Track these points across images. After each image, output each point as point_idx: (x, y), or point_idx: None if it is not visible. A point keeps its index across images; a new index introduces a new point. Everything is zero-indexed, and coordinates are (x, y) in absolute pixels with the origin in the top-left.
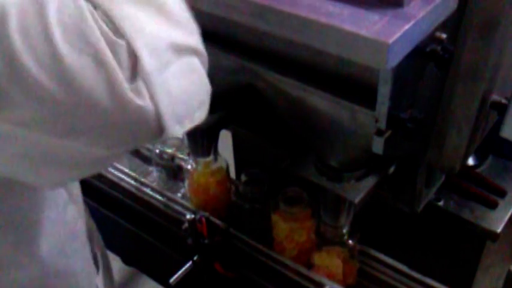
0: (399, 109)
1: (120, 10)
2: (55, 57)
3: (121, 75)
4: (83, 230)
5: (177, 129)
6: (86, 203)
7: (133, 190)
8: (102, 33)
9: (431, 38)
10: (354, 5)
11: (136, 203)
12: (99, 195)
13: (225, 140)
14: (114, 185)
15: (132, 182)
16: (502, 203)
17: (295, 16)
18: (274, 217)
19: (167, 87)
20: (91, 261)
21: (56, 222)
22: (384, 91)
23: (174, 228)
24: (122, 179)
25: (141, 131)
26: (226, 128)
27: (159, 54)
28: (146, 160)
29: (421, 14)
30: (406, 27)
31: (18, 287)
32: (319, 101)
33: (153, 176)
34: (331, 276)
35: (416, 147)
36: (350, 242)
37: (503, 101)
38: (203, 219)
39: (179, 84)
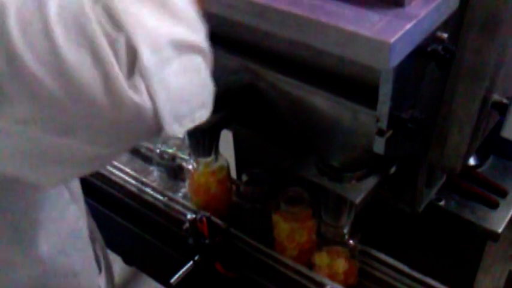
0: (400, 109)
1: (122, 4)
2: (54, 53)
3: (118, 71)
4: (85, 229)
5: (176, 128)
6: (86, 202)
7: (134, 190)
8: (102, 27)
9: (433, 38)
10: (355, 5)
11: (137, 203)
12: (100, 195)
13: (226, 139)
14: (115, 184)
15: (133, 181)
16: (503, 203)
17: (296, 16)
18: (275, 217)
19: (166, 84)
20: (93, 261)
21: (58, 221)
22: (385, 91)
23: (175, 228)
24: (123, 179)
25: (139, 129)
26: (228, 127)
27: (159, 50)
28: (147, 160)
29: (422, 13)
30: (407, 26)
31: (19, 287)
32: (320, 100)
33: (154, 175)
34: (332, 276)
35: (417, 147)
36: (351, 242)
37: (505, 101)
38: (204, 219)
39: (179, 82)
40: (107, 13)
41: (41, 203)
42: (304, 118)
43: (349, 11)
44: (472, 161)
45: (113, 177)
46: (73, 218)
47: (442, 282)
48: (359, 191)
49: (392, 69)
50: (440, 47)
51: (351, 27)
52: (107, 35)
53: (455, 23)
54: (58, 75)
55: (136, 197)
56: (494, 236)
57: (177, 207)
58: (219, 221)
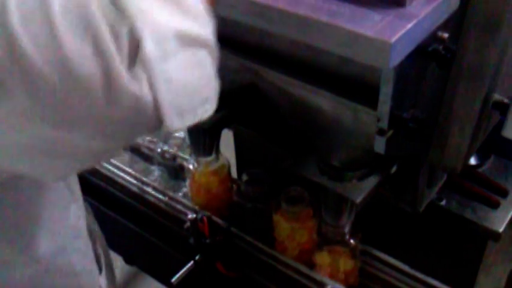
0: (401, 109)
1: None
2: (54, 42)
3: (119, 62)
4: (84, 228)
5: (177, 123)
6: (87, 202)
7: (135, 189)
8: (105, 16)
9: (433, 38)
10: (356, 5)
11: (138, 203)
12: (101, 194)
13: (227, 139)
14: (116, 184)
15: (134, 181)
16: (504, 202)
17: (297, 15)
18: (276, 217)
19: (169, 77)
20: (93, 261)
21: (58, 221)
22: (386, 90)
23: (175, 227)
24: (124, 178)
25: (139, 122)
26: (228, 127)
27: (163, 41)
28: (148, 159)
29: (423, 13)
30: (408, 26)
31: (19, 286)
32: (321, 100)
33: (155, 175)
34: (332, 276)
35: (418, 147)
36: (352, 241)
37: (506, 100)
38: (205, 219)
39: (182, 76)
40: (111, 2)
41: (42, 202)
42: (305, 118)
43: (350, 10)
44: (473, 161)
45: (114, 177)
46: (73, 217)
47: (443, 281)
48: (360, 190)
49: (393, 69)
50: (441, 47)
51: (351, 27)
52: (110, 25)
53: (456, 22)
54: (58, 65)
55: (137, 197)
56: (495, 236)
57: (178, 206)
58: (219, 221)
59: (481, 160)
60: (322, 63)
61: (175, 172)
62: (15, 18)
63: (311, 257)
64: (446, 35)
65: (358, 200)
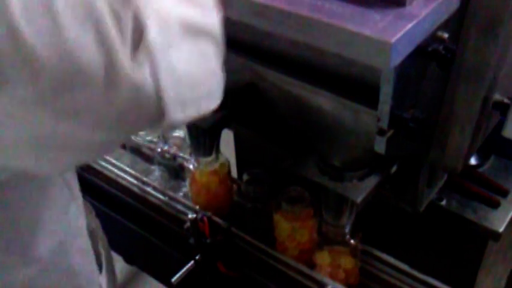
0: (401, 109)
1: None
2: (55, 28)
3: (122, 48)
4: (85, 228)
5: (179, 115)
6: (88, 202)
7: (135, 189)
8: (108, 2)
9: (433, 38)
10: (356, 5)
11: (138, 202)
12: (101, 194)
13: (227, 139)
14: (116, 184)
15: (134, 181)
16: (504, 202)
17: (297, 15)
18: (276, 217)
19: (172, 65)
20: (93, 260)
21: (58, 220)
22: (386, 90)
23: (176, 227)
24: (124, 178)
25: (140, 112)
26: (228, 127)
27: (167, 29)
28: (148, 159)
29: (424, 13)
30: (409, 26)
31: (19, 286)
32: (322, 100)
33: (155, 175)
34: (333, 276)
35: (418, 146)
36: (352, 241)
37: (506, 100)
38: (205, 219)
39: (186, 66)
40: None
41: (41, 202)
42: (305, 118)
43: (350, 10)
44: (473, 161)
45: (115, 177)
46: (73, 216)
47: (443, 281)
48: (360, 190)
49: (394, 69)
50: (441, 47)
51: (352, 27)
52: (113, 10)
53: (456, 22)
54: (59, 52)
55: (138, 197)
56: (495, 236)
57: (178, 206)
58: (220, 221)
59: (481, 160)
60: (322, 63)
61: (176, 172)
62: (16, 7)
63: (311, 257)
64: (446, 35)
65: (359, 199)
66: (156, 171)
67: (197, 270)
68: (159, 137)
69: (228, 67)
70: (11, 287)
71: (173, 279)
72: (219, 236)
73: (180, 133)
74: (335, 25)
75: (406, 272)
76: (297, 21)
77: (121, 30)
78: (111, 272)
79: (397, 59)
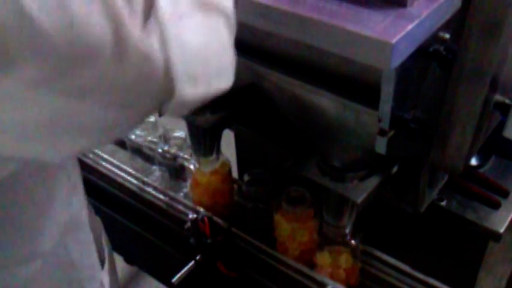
0: (402, 109)
1: None
2: (61, 2)
3: (130, 18)
4: (87, 221)
5: (189, 90)
6: (88, 202)
7: (136, 189)
8: None
9: (435, 38)
10: (357, 5)
11: (139, 203)
12: (102, 194)
13: (228, 139)
14: (117, 184)
15: (135, 181)
16: (504, 203)
17: (298, 16)
18: (277, 217)
19: (182, 38)
20: (94, 255)
21: (61, 213)
22: (387, 91)
23: (176, 227)
24: (125, 178)
25: (150, 85)
26: (229, 127)
27: (178, 1)
28: (149, 159)
29: (425, 13)
30: (410, 27)
31: (18, 282)
32: (322, 100)
33: (156, 175)
34: (333, 276)
35: (419, 147)
36: (353, 242)
37: (507, 101)
38: (206, 219)
39: (196, 40)
40: None
41: (45, 195)
42: (306, 118)
43: (351, 11)
44: (474, 161)
45: (115, 177)
46: (75, 209)
47: (444, 282)
48: (361, 191)
49: (395, 69)
50: (442, 47)
51: (353, 28)
52: None
53: (457, 23)
54: (66, 27)
55: (138, 197)
56: (496, 236)
57: (179, 206)
58: (220, 221)
59: (482, 161)
60: (323, 64)
61: (176, 172)
62: None
63: (312, 257)
64: (447, 36)
65: (359, 200)
66: (157, 172)
67: (197, 271)
68: (160, 137)
69: None
70: (14, 283)
71: (173, 280)
72: (219, 236)
73: (180, 133)
74: (336, 26)
75: (406, 272)
76: (298, 22)
77: (129, 1)
78: (112, 270)
79: (398, 60)
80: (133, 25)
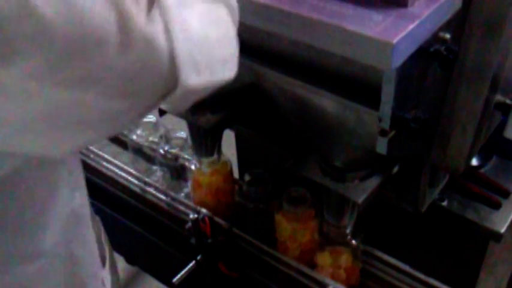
0: (403, 109)
1: None
2: None
3: (134, 6)
4: (88, 218)
5: (194, 79)
6: (90, 202)
7: (137, 190)
8: None
9: (435, 38)
10: (358, 5)
11: (140, 203)
12: (103, 194)
13: (229, 140)
14: (118, 184)
15: (136, 181)
16: (505, 203)
17: (299, 16)
18: (278, 217)
19: (186, 26)
20: (96, 252)
21: (63, 209)
22: (388, 91)
23: (177, 227)
24: (126, 179)
25: (155, 73)
26: (230, 127)
27: None
28: (150, 160)
29: (425, 14)
30: (411, 27)
31: (26, 279)
32: (323, 101)
33: (157, 175)
34: (334, 276)
35: (420, 147)
36: (353, 242)
37: (508, 101)
38: (206, 219)
39: (200, 28)
40: None
41: (48, 191)
42: (307, 118)
43: (352, 11)
44: (474, 162)
45: (116, 177)
46: (77, 205)
47: (445, 282)
48: (362, 191)
49: (395, 70)
50: (443, 48)
51: (353, 28)
52: None
53: (458, 23)
54: (69, 15)
55: (139, 197)
56: (496, 237)
57: (180, 207)
58: (221, 221)
59: (483, 161)
60: (323, 64)
61: (177, 172)
62: None
63: (313, 258)
64: (448, 36)
65: (360, 200)
66: (158, 172)
67: (198, 271)
68: (161, 137)
69: None
70: (17, 282)
71: (174, 280)
72: (220, 237)
73: (181, 134)
74: (337, 26)
75: (407, 272)
76: (299, 22)
77: None
78: (114, 269)
79: (398, 60)
80: (137, 13)
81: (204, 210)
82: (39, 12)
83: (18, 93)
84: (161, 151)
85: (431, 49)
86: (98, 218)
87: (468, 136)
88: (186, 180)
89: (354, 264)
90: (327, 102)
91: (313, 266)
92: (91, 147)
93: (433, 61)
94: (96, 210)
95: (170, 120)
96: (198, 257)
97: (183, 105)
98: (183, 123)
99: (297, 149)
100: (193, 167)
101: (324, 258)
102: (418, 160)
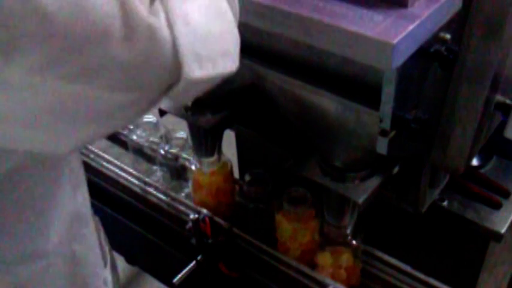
0: (403, 109)
1: None
2: None
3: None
4: (90, 217)
5: (197, 72)
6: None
7: (137, 190)
8: None
9: (436, 39)
10: (359, 6)
11: (140, 203)
12: (103, 194)
13: (229, 140)
14: (118, 184)
15: (136, 181)
16: (506, 203)
17: (299, 16)
18: (278, 217)
19: (188, 18)
20: (98, 251)
21: (65, 208)
22: (388, 91)
23: (177, 228)
24: (126, 179)
25: (158, 65)
26: (230, 128)
27: None
28: (150, 160)
29: (426, 14)
30: (411, 27)
31: (29, 278)
32: (323, 101)
33: (157, 175)
34: (334, 277)
35: (420, 147)
36: (354, 242)
37: (508, 101)
38: (207, 219)
39: (202, 20)
40: None
41: (47, 188)
42: (307, 118)
43: (352, 11)
44: (475, 162)
45: (117, 178)
46: (79, 203)
47: (445, 282)
48: (362, 191)
49: (396, 70)
50: (443, 48)
51: (354, 28)
52: None
53: (458, 23)
54: (71, 7)
55: (140, 197)
56: (497, 237)
57: (180, 207)
58: (221, 221)
59: (483, 161)
60: (323, 64)
61: (178, 173)
62: None
63: (313, 258)
64: (448, 36)
65: (361, 200)
66: (158, 172)
67: (199, 271)
68: (161, 137)
69: None
70: (20, 281)
71: (175, 280)
72: (220, 237)
73: (182, 134)
74: (337, 26)
75: (407, 272)
76: (299, 22)
77: None
78: (114, 269)
79: (399, 60)
80: (140, 5)
81: (204, 211)
82: (42, 7)
83: (21, 88)
84: (161, 151)
85: (432, 49)
86: (97, 218)
87: (468, 136)
88: (186, 180)
89: (354, 264)
90: (327, 103)
91: (313, 266)
92: (91, 148)
93: (434, 61)
94: (97, 210)
95: (170, 121)
96: (199, 257)
97: (185, 99)
98: (183, 124)
99: (297, 149)
100: (193, 167)
101: (324, 258)
102: (419, 160)
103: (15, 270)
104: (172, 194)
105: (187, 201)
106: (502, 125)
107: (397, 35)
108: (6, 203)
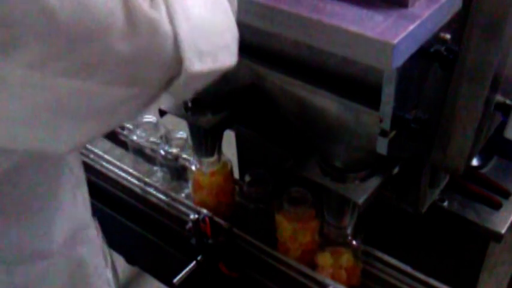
0: (404, 110)
1: None
2: None
3: None
4: (91, 218)
5: (197, 64)
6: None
7: (138, 190)
8: None
9: (436, 39)
10: (359, 6)
11: (140, 203)
12: (103, 195)
13: (229, 140)
14: (118, 184)
15: (137, 182)
16: (506, 203)
17: (300, 16)
18: (278, 217)
19: (188, 13)
20: (100, 251)
21: (67, 210)
22: (389, 91)
23: (177, 228)
24: (126, 179)
25: (158, 60)
26: (230, 128)
27: None
28: (150, 160)
29: (426, 14)
30: (411, 27)
31: (33, 278)
32: (324, 101)
33: (158, 176)
34: (334, 277)
35: (420, 147)
36: (354, 242)
37: (508, 102)
38: (207, 219)
39: (202, 15)
40: None
41: (47, 187)
42: (307, 118)
43: (353, 11)
44: (475, 162)
45: (117, 178)
46: (79, 204)
47: (445, 283)
48: (362, 191)
49: (396, 70)
50: (443, 48)
51: (354, 28)
52: None
53: (458, 23)
54: (73, 3)
55: (140, 198)
56: (497, 237)
57: (180, 207)
58: (221, 221)
59: (484, 161)
60: (324, 64)
61: (178, 173)
62: None
63: (313, 258)
64: (448, 36)
65: (361, 200)
66: (158, 172)
67: (199, 271)
68: (161, 137)
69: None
70: (24, 280)
71: (175, 280)
72: (220, 237)
73: (182, 134)
74: (337, 26)
75: (407, 273)
76: (299, 23)
77: None
78: (113, 269)
79: (399, 60)
80: (142, 0)
81: (204, 211)
82: (45, 4)
83: (21, 85)
84: (161, 152)
85: (432, 49)
86: (95, 218)
87: (468, 136)
88: (186, 180)
89: (354, 264)
90: (327, 103)
91: (313, 266)
92: (91, 148)
93: (434, 61)
94: (97, 210)
95: (170, 121)
96: (199, 257)
97: (185, 95)
98: (183, 124)
99: (297, 149)
100: (193, 168)
101: (324, 259)
102: (419, 161)
103: (15, 270)
104: (173, 194)
105: (187, 202)
106: (502, 125)
107: (398, 35)
108: (6, 203)
